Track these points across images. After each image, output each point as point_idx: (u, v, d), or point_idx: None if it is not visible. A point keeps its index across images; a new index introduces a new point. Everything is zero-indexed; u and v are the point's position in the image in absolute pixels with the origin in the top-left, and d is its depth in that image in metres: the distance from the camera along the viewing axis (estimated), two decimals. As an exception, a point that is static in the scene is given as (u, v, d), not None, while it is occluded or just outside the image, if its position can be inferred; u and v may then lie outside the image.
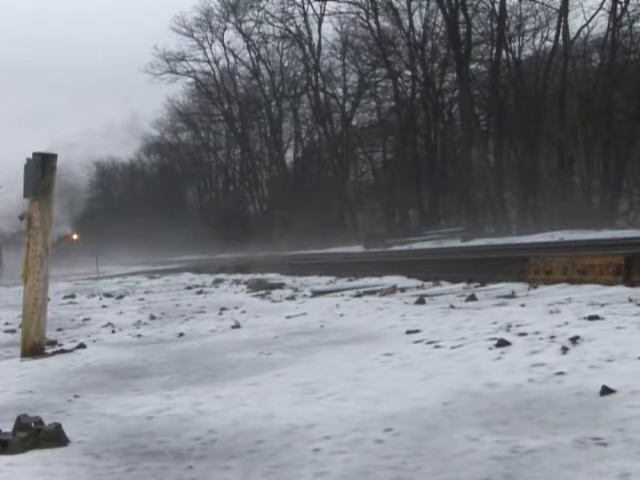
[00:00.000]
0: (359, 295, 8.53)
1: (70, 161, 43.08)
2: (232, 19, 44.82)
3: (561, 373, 3.29)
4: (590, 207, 26.74)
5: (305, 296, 9.42)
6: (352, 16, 39.05)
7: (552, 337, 3.90)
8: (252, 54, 46.01)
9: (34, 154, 5.54)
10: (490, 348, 3.90)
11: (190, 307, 9.17)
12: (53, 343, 5.91)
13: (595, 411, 2.78)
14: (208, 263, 27.08)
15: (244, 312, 7.64)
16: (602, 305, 5.06)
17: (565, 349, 3.63)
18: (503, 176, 31.54)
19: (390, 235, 31.48)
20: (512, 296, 6.82)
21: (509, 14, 31.28)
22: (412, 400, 3.19)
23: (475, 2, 31.08)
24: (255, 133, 50.55)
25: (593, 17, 28.63)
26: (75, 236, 54.62)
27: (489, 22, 31.84)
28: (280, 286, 11.81)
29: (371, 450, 2.61)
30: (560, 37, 28.68)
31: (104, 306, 10.40)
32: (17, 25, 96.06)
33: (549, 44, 31.25)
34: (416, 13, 35.45)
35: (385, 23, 36.95)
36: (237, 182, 55.43)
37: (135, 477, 2.58)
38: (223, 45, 46.96)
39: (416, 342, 4.45)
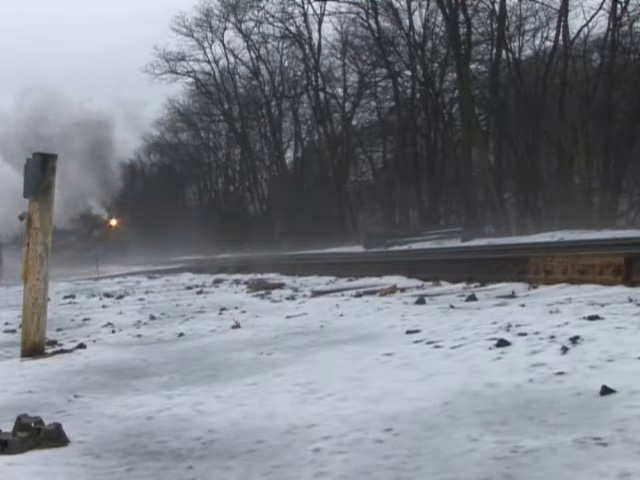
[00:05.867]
0: (359, 295, 8.52)
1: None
2: (232, 19, 44.84)
3: (561, 373, 3.29)
4: (590, 207, 26.72)
5: (305, 296, 9.42)
6: (352, 16, 39.11)
7: (552, 337, 3.90)
8: (252, 54, 46.05)
9: (34, 154, 5.54)
10: (490, 348, 3.90)
11: (190, 307, 9.17)
12: (53, 343, 5.91)
13: (595, 411, 2.78)
14: (208, 263, 27.07)
15: (244, 312, 7.64)
16: (602, 305, 5.06)
17: (565, 349, 3.63)
18: (503, 176, 31.54)
19: (390, 235, 31.45)
20: (512, 296, 6.82)
21: (509, 14, 31.29)
22: (412, 400, 3.19)
23: (475, 2, 31.07)
24: (255, 133, 50.52)
25: (593, 17, 28.65)
26: (114, 222, 49.15)
27: (489, 22, 31.84)
28: (280, 286, 11.82)
29: (371, 450, 2.61)
30: (560, 37, 28.68)
31: (104, 306, 10.40)
32: (17, 27, 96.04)
33: (549, 44, 31.29)
34: (416, 13, 35.49)
35: (385, 23, 37.00)
36: (237, 182, 55.41)
37: (135, 477, 2.58)
38: (223, 45, 47.00)
39: (416, 342, 4.45)
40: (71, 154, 39.19)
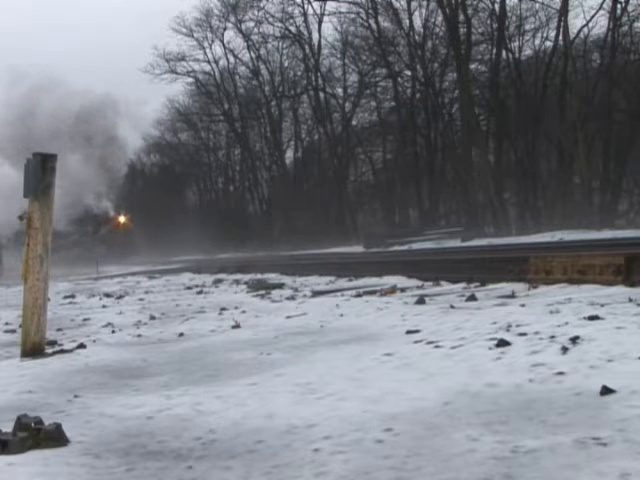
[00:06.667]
0: (359, 295, 8.52)
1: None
2: (232, 19, 44.82)
3: (561, 373, 3.29)
4: (590, 207, 26.73)
5: (305, 296, 9.42)
6: (352, 16, 39.14)
7: (552, 337, 3.90)
8: (252, 54, 46.03)
9: (34, 154, 5.55)
10: (490, 348, 3.90)
11: (190, 307, 9.17)
12: (53, 343, 5.91)
13: (595, 411, 2.78)
14: (208, 263, 27.07)
15: (244, 312, 7.64)
16: (602, 305, 5.06)
17: (565, 349, 3.63)
18: (503, 176, 31.53)
19: (390, 235, 31.45)
20: (512, 296, 6.82)
21: (509, 14, 31.28)
22: (412, 400, 3.19)
23: (475, 2, 31.06)
24: (255, 133, 50.51)
25: (593, 17, 28.67)
26: (122, 219, 47.26)
27: (489, 22, 31.82)
28: (280, 286, 11.81)
29: (371, 450, 2.61)
30: (560, 37, 28.66)
31: (104, 306, 10.40)
32: (18, 28, 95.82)
33: (549, 44, 31.29)
34: (416, 13, 35.49)
35: (385, 23, 37.00)
36: (237, 182, 55.42)
37: (135, 477, 2.58)
38: (223, 45, 46.98)
39: (416, 342, 4.45)
40: (71, 145, 38.34)
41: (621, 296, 5.63)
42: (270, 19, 42.51)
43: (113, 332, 6.77)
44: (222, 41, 46.59)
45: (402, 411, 3.05)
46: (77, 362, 4.88)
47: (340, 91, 42.82)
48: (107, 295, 13.12)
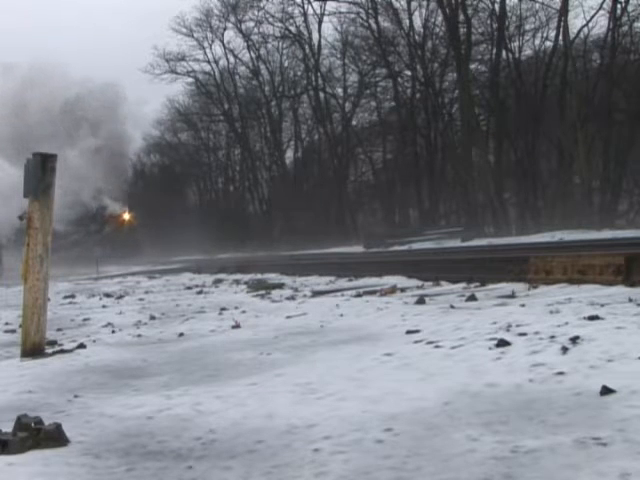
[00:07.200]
0: (359, 295, 8.53)
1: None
2: (232, 19, 44.81)
3: (561, 373, 3.29)
4: (590, 207, 26.73)
5: (305, 296, 9.42)
6: (352, 16, 39.14)
7: (552, 337, 3.90)
8: (252, 54, 46.02)
9: (34, 154, 5.54)
10: (490, 348, 3.90)
11: (190, 307, 9.17)
12: (53, 343, 5.91)
13: (595, 411, 2.78)
14: (208, 263, 27.06)
15: (244, 312, 7.64)
16: (602, 305, 5.06)
17: (565, 349, 3.63)
18: (503, 176, 31.52)
19: (390, 235, 31.44)
20: (512, 296, 6.82)
21: (509, 14, 31.27)
22: (412, 400, 3.19)
23: (475, 2, 31.05)
24: (255, 133, 50.51)
25: (593, 17, 28.66)
26: (127, 215, 47.28)
27: (489, 22, 31.81)
28: (280, 286, 11.82)
29: (371, 450, 2.61)
30: (560, 37, 28.66)
31: (104, 306, 10.40)
32: (17, 28, 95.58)
33: (549, 44, 31.28)
34: (416, 13, 35.48)
35: (385, 23, 37.01)
36: (237, 182, 55.42)
37: (135, 477, 2.58)
38: (223, 45, 46.97)
39: (416, 342, 4.45)
40: (70, 141, 37.71)
41: (621, 296, 5.63)
42: (270, 19, 42.56)
43: (113, 332, 6.77)
44: (222, 41, 46.63)
45: (402, 411, 3.05)
46: (77, 362, 4.88)
47: (340, 91, 42.88)
48: (107, 295, 13.11)
